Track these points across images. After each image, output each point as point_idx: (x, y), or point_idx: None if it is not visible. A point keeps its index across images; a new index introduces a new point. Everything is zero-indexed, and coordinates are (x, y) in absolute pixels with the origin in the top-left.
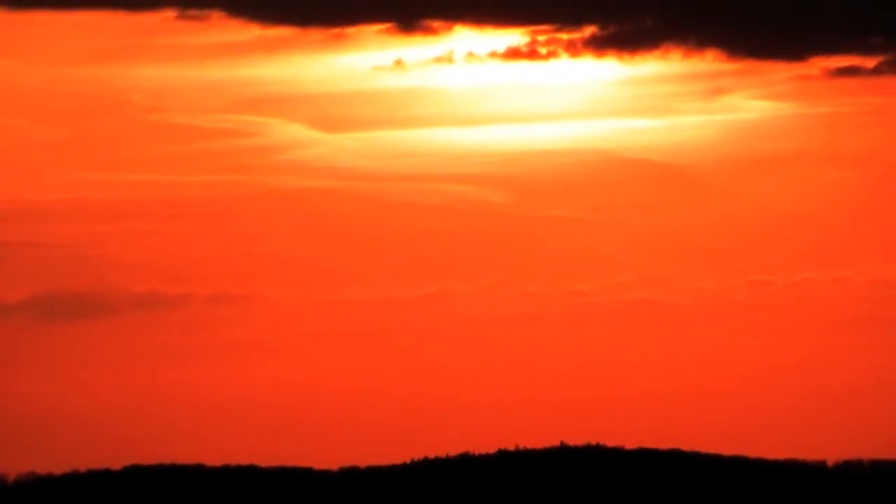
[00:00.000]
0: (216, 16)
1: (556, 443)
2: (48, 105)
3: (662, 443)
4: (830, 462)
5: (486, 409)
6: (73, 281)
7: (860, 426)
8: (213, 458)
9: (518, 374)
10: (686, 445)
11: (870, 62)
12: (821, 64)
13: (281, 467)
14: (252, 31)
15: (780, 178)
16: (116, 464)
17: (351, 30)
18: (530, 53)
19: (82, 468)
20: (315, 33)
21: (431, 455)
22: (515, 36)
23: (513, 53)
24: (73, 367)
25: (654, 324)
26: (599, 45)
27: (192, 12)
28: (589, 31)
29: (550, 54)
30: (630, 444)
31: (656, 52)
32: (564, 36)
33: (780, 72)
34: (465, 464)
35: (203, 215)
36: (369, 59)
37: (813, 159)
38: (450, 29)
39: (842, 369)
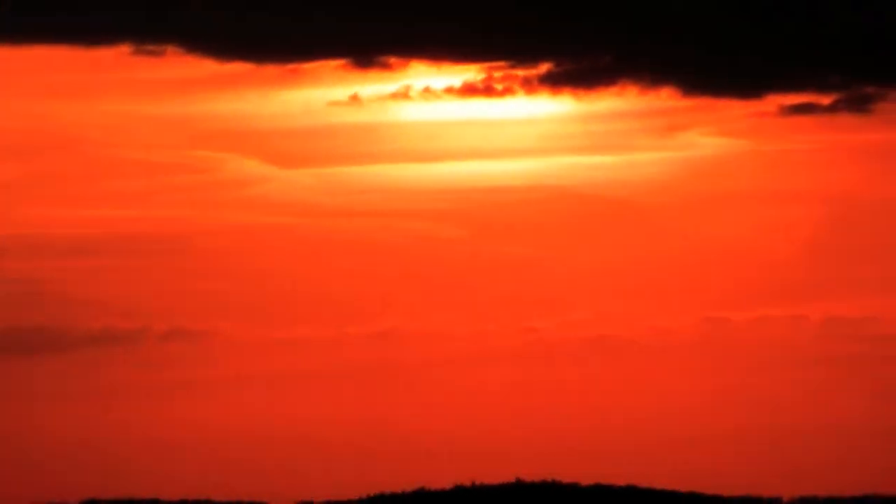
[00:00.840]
0: (172, 51)
1: (511, 479)
2: (1, 141)
3: (618, 479)
4: (786, 498)
5: (442, 445)
6: (27, 316)
7: (816, 463)
8: (170, 492)
9: (473, 410)
10: (641, 481)
11: (826, 99)
12: (776, 101)
13: (236, 502)
14: (208, 67)
15: (735, 215)
16: (73, 497)
17: (307, 65)
18: (486, 90)
19: (41, 502)
20: (271, 69)
21: (387, 490)
22: (471, 72)
23: (469, 90)
24: (29, 400)
25: (609, 361)
26: (555, 81)
27: (148, 47)
28: (545, 67)
29: (506, 91)
30: (585, 480)
31: (612, 90)
32: (520, 73)
33: (736, 109)
34: (421, 498)
35: (159, 251)
36: (325, 95)
37: (768, 196)
38: (406, 65)
39: (798, 406)
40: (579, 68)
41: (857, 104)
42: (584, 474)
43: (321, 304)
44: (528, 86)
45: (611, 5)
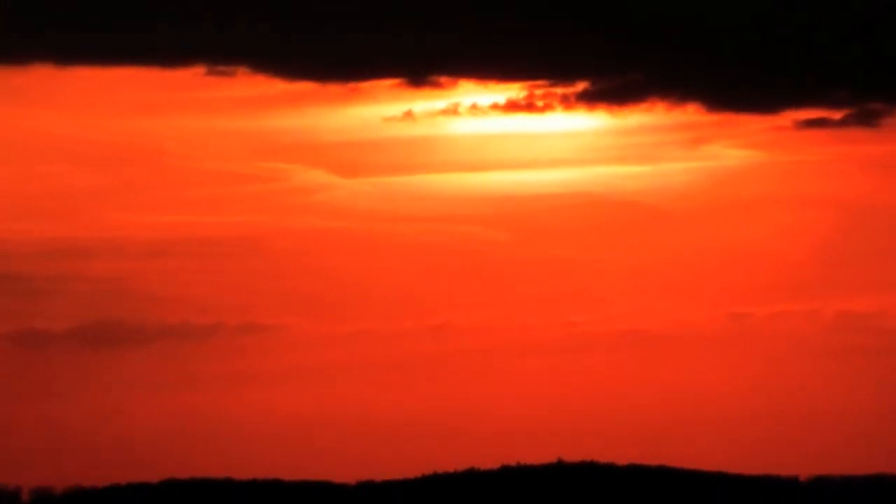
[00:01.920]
0: (242, 72)
1: (554, 459)
2: (89, 152)
3: (650, 459)
4: (803, 477)
5: (490, 428)
6: (113, 312)
7: (830, 445)
8: (242, 472)
9: (518, 397)
10: (672, 462)
11: (836, 114)
12: (792, 116)
13: (303, 481)
14: (275, 86)
15: (755, 220)
16: (154, 477)
17: (365, 84)
18: (528, 106)
19: (122, 482)
20: (333, 88)
21: (440, 470)
22: (514, 90)
23: (512, 106)
24: (113, 389)
25: (642, 351)
26: (591, 98)
27: (220, 68)
28: (581, 86)
29: (546, 107)
30: (621, 460)
31: (643, 106)
32: (559, 90)
33: (755, 123)
34: (471, 477)
35: (231, 253)
36: (382, 111)
37: (785, 202)
38: (455, 84)
39: (813, 392)
40: (613, 86)
41: (866, 119)
42: (620, 455)
43: (380, 301)
44: (566, 102)
45: (641, 29)
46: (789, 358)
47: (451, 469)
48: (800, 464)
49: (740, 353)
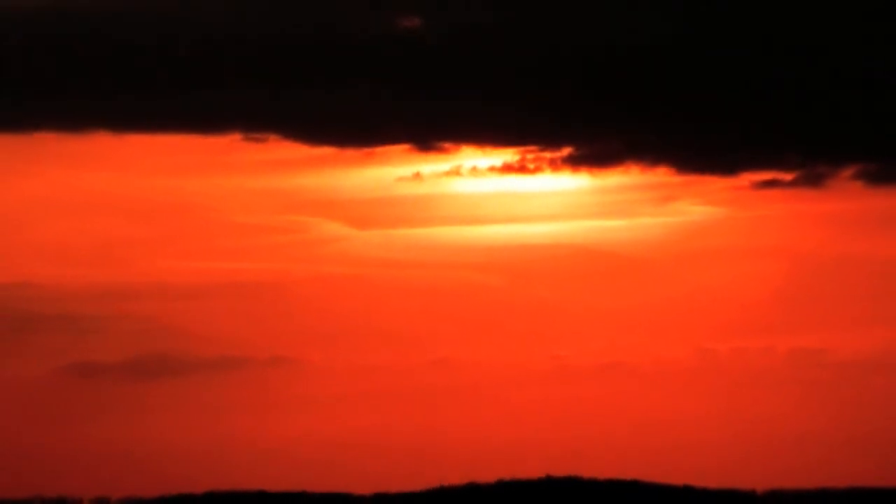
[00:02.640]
0: (273, 138)
1: (543, 474)
2: (138, 207)
3: (627, 474)
4: (759, 490)
5: (486, 447)
6: (156, 346)
7: (784, 462)
8: (273, 485)
9: (511, 421)
10: (646, 476)
11: (787, 176)
12: (749, 178)
13: (325, 492)
14: (301, 151)
15: (718, 267)
16: (197, 489)
17: (379, 149)
18: (521, 168)
19: (169, 493)
20: (350, 152)
21: (444, 483)
22: (509, 155)
23: (507, 168)
24: (157, 413)
25: (620, 381)
26: (575, 162)
27: (254, 136)
28: (567, 151)
29: (536, 169)
30: (602, 475)
31: (620, 168)
32: (547, 155)
33: (717, 183)
34: (471, 490)
35: (259, 295)
36: (393, 172)
37: (743, 252)
38: (458, 149)
39: (769, 416)
40: (594, 151)
41: (813, 180)
42: (601, 470)
43: (389, 337)
44: (554, 165)
45: (619, 103)
46: (748, 387)
47: (453, 482)
48: (756, 479)
49: (706, 383)
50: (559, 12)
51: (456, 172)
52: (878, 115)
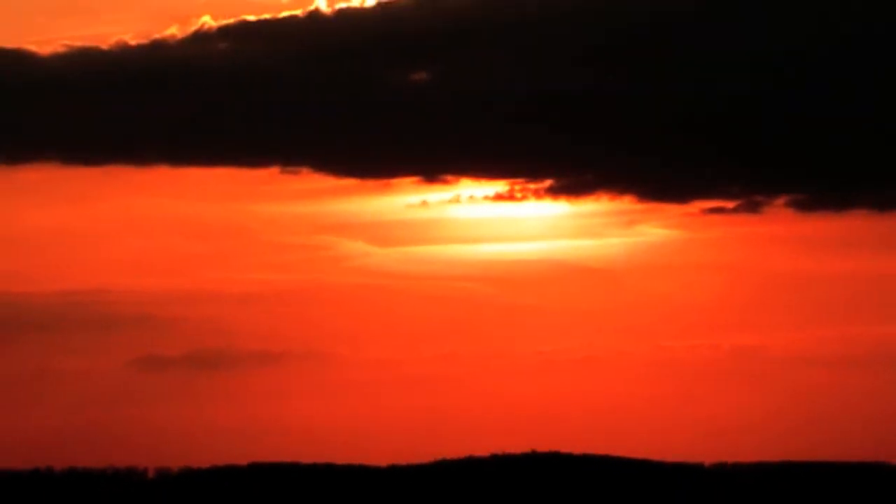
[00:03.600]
0: (305, 171)
1: (529, 449)
2: (195, 228)
3: (599, 450)
4: (707, 463)
5: (482, 425)
6: (212, 342)
7: (728, 439)
8: (306, 457)
9: (502, 404)
10: (612, 451)
11: (730, 204)
12: (699, 205)
13: (349, 464)
14: (329, 181)
15: (673, 279)
16: (242, 461)
17: (394, 181)
18: (510, 197)
19: (220, 463)
20: (370, 183)
21: (448, 456)
22: (501, 185)
23: (499, 197)
24: (212, 397)
25: (593, 372)
26: (555, 192)
27: (290, 168)
28: (548, 183)
29: (523, 197)
30: (577, 450)
31: (592, 197)
32: (532, 186)
33: (673, 210)
34: (469, 463)
35: (296, 300)
36: (405, 200)
37: (694, 267)
38: (458, 181)
39: (715, 401)
40: (571, 183)
41: (751, 207)
42: (577, 446)
43: (401, 335)
44: (537, 194)
45: (592, 143)
46: (698, 377)
47: (454, 456)
48: (705, 453)
49: (663, 374)
50: (536, 74)
51: (456, 200)
52: (805, 155)
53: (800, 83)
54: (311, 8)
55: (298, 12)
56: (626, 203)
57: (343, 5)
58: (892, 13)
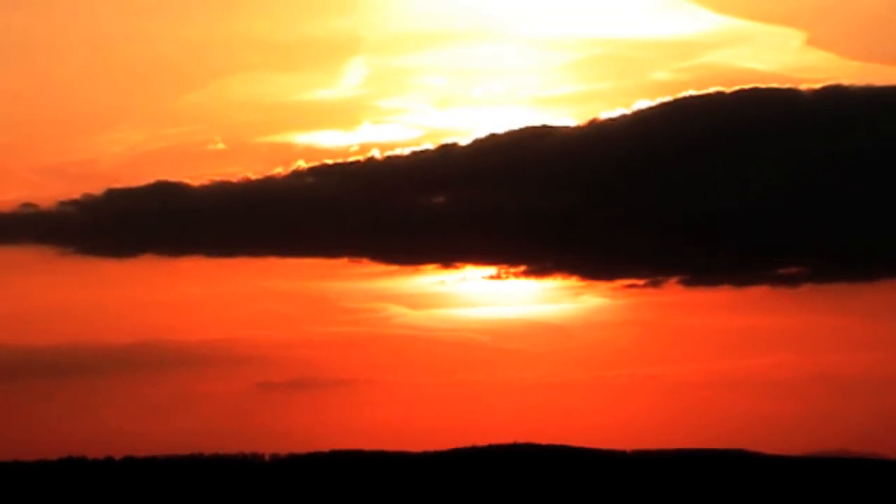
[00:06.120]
0: (366, 261)
1: (511, 441)
2: (293, 298)
3: (547, 440)
4: (629, 450)
5: (473, 425)
6: (306, 373)
7: (645, 431)
8: (344, 444)
9: (490, 415)
10: (564, 441)
11: (641, 282)
12: (621, 282)
13: (377, 450)
14: (380, 267)
15: (605, 330)
16: (326, 447)
17: (421, 267)
18: (498, 277)
19: (303, 451)
20: (407, 268)
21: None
22: (491, 269)
23: (491, 277)
24: (302, 410)
25: (553, 392)
26: (527, 273)
27: (355, 259)
28: (523, 268)
29: (507, 277)
30: (543, 442)
31: (551, 277)
32: (513, 270)
33: (604, 286)
34: (472, 452)
35: (360, 345)
36: (430, 279)
37: (618, 323)
38: (464, 266)
39: (634, 411)
40: (537, 268)
41: (655, 284)
42: (542, 439)
43: (429, 367)
44: (516, 275)
45: (549, 245)
46: (623, 394)
47: (442, 448)
48: (628, 439)
49: (599, 393)
50: (514, 200)
51: (463, 279)
52: (685, 253)
53: (690, 203)
54: (369, 155)
55: (361, 157)
56: (574, 281)
57: (389, 153)
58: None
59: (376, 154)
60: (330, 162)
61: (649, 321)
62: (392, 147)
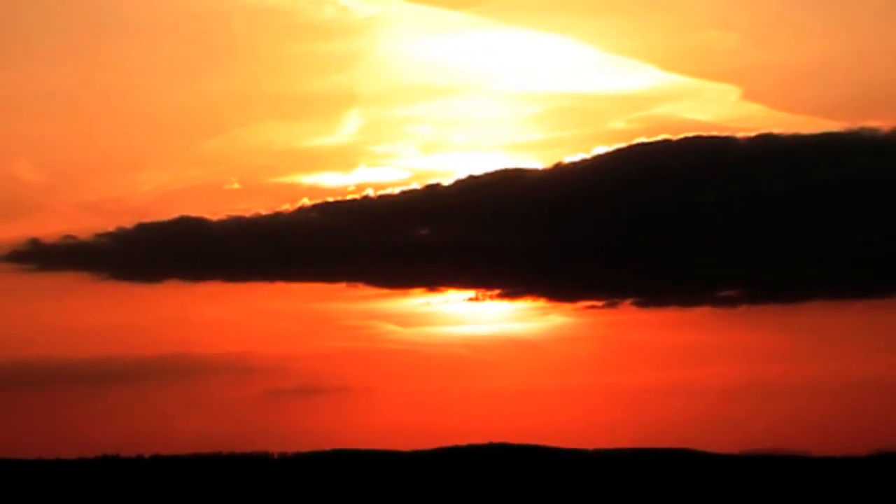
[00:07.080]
0: (361, 285)
1: (495, 441)
2: (298, 317)
3: (521, 440)
4: (590, 448)
5: (458, 430)
6: (311, 382)
7: (603, 433)
8: (344, 444)
9: (474, 417)
10: (541, 441)
11: (600, 303)
12: (582, 304)
13: (382, 449)
14: (374, 290)
15: (568, 345)
16: (328, 447)
17: (409, 290)
18: (476, 299)
19: (325, 448)
20: (397, 291)
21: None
22: (471, 293)
23: (471, 299)
24: (312, 415)
25: (526, 398)
26: (502, 296)
27: (352, 283)
28: (498, 291)
29: (484, 299)
30: (521, 441)
31: (522, 299)
32: (489, 293)
33: (568, 306)
34: (462, 450)
35: (359, 359)
36: (417, 301)
37: (579, 338)
38: (447, 290)
39: (599, 415)
40: (510, 291)
41: (611, 305)
42: (520, 439)
43: (415, 378)
44: (492, 297)
45: (522, 271)
46: (584, 401)
47: (430, 447)
48: (591, 438)
49: (566, 400)
50: (492, 232)
51: (446, 301)
52: (643, 276)
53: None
54: (365, 194)
55: (357, 196)
56: (542, 302)
57: (382, 192)
58: None
59: (371, 193)
60: (331, 199)
61: (607, 337)
62: (384, 187)
